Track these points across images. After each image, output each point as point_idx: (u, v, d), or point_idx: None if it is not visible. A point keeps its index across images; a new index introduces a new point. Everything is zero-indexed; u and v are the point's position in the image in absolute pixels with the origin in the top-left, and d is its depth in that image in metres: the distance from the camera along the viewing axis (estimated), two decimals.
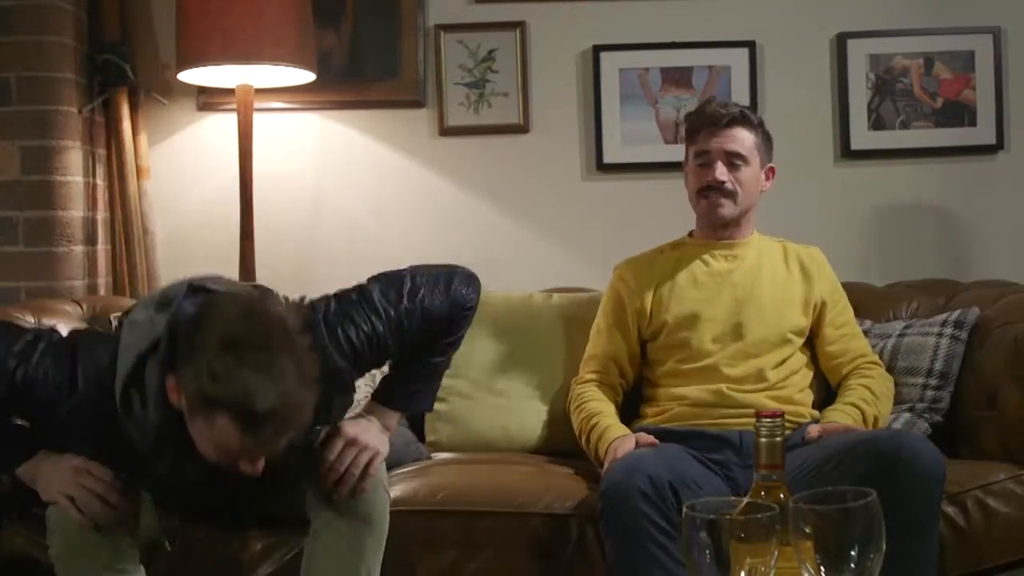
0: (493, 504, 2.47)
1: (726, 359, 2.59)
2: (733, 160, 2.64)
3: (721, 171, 2.63)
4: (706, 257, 2.71)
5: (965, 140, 3.51)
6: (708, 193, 2.65)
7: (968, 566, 2.45)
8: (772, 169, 2.74)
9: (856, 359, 2.69)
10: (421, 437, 2.97)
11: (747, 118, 2.67)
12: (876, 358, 2.74)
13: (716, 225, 2.71)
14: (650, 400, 2.70)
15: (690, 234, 2.80)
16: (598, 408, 2.64)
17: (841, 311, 2.74)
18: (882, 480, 2.03)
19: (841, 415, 2.54)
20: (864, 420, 2.55)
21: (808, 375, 2.68)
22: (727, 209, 2.65)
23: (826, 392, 2.74)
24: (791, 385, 2.61)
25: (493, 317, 3.03)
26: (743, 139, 2.65)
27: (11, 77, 3.18)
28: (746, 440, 2.41)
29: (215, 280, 2.03)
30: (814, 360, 2.72)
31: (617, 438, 2.50)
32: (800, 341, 2.67)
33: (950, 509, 2.41)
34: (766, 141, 2.71)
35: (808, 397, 2.66)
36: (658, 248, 2.81)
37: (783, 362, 2.62)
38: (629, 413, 2.70)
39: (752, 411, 2.45)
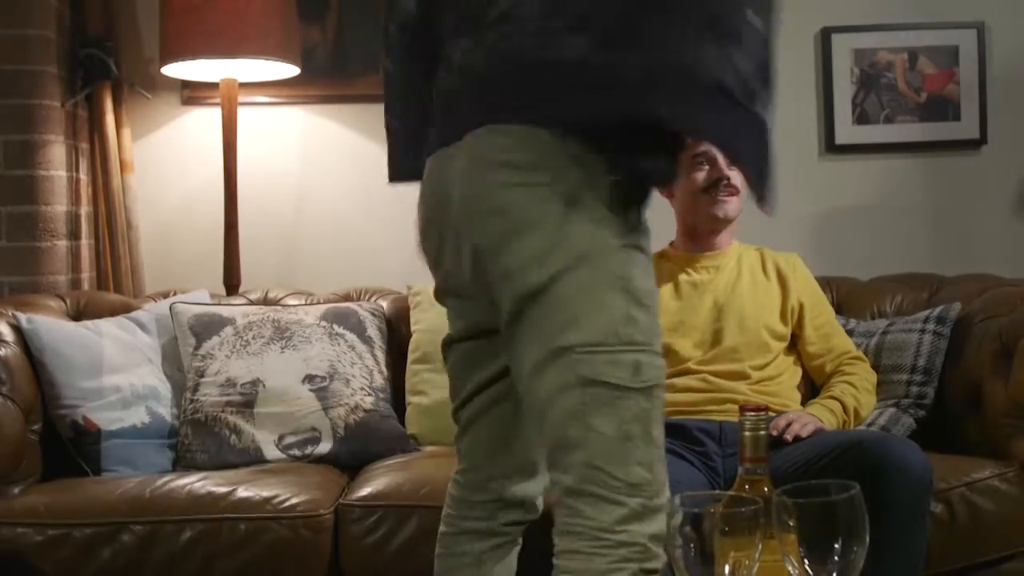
0: None
1: (708, 361, 2.59)
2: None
3: (726, 164, 2.57)
4: (688, 268, 2.68)
5: (949, 135, 3.52)
6: (712, 190, 2.58)
7: (953, 563, 2.46)
8: None
9: (839, 356, 2.70)
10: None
11: None
12: (859, 353, 2.75)
13: (712, 230, 2.66)
14: None
15: (671, 244, 2.75)
16: None
17: (820, 312, 2.74)
18: (870, 485, 2.03)
19: (820, 409, 2.55)
20: (845, 411, 2.57)
21: (794, 376, 2.69)
22: (732, 206, 2.59)
23: (812, 393, 2.75)
24: (775, 383, 2.61)
25: None
26: None
27: None
28: (726, 429, 2.42)
29: None
30: (800, 365, 2.73)
31: None
32: (782, 346, 2.66)
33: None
34: None
35: (794, 394, 2.66)
36: None
37: (765, 365, 2.61)
38: None
39: (734, 402, 2.47)
